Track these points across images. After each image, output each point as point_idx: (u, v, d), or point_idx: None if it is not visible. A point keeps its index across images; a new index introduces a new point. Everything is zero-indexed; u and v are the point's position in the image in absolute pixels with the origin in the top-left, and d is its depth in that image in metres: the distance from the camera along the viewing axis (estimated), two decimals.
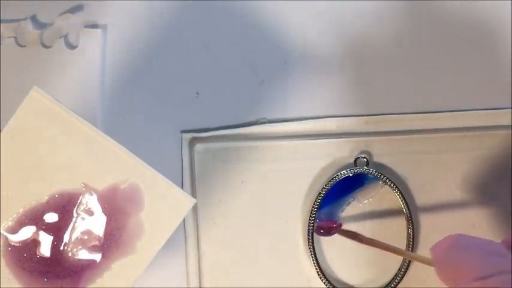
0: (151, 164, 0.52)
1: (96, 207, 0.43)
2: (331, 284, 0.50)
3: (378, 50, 0.53)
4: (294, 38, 0.53)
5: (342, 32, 0.53)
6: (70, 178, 0.42)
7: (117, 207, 0.43)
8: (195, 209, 0.52)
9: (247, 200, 0.52)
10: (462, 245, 0.41)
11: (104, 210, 0.43)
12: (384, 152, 0.52)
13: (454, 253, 0.41)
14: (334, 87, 0.53)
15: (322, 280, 0.51)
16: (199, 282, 0.51)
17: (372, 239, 0.48)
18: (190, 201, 0.43)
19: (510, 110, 0.52)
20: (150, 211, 0.43)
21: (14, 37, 0.53)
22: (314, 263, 0.51)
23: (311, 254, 0.51)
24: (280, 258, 0.51)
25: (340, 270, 0.51)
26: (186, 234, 0.51)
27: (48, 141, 0.42)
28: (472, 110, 0.52)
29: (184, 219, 0.51)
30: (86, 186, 0.43)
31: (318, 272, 0.51)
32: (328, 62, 0.53)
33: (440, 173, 0.52)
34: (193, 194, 0.52)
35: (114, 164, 0.43)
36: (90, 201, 0.43)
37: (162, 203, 0.43)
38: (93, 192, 0.43)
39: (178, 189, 0.43)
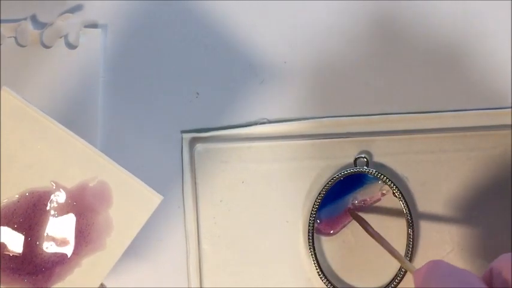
0: (152, 164, 0.52)
1: (66, 205, 0.43)
2: (331, 284, 0.51)
3: (378, 49, 0.53)
4: (294, 38, 0.53)
5: (342, 31, 0.53)
6: (40, 176, 0.43)
7: (87, 204, 0.43)
8: (196, 208, 0.52)
9: (248, 200, 0.52)
10: (437, 273, 0.40)
11: (74, 208, 0.43)
12: (384, 152, 0.52)
13: (428, 281, 0.40)
14: (334, 87, 0.53)
15: (322, 280, 0.51)
16: (200, 281, 0.51)
17: (378, 234, 0.49)
18: (157, 198, 0.44)
19: (510, 110, 0.52)
20: (119, 208, 0.43)
21: (14, 37, 0.53)
22: (314, 263, 0.51)
23: (311, 254, 0.51)
24: (280, 258, 0.51)
25: (341, 270, 0.52)
26: (187, 234, 0.51)
27: (17, 140, 0.43)
28: (472, 110, 0.52)
29: (185, 219, 0.51)
30: (56, 184, 0.43)
31: (318, 271, 0.51)
32: (328, 61, 0.53)
33: (440, 173, 0.52)
34: (194, 193, 0.52)
35: (83, 162, 0.43)
36: (60, 198, 0.43)
37: (130, 200, 0.44)
38: (62, 190, 0.43)
39: (146, 186, 0.44)
